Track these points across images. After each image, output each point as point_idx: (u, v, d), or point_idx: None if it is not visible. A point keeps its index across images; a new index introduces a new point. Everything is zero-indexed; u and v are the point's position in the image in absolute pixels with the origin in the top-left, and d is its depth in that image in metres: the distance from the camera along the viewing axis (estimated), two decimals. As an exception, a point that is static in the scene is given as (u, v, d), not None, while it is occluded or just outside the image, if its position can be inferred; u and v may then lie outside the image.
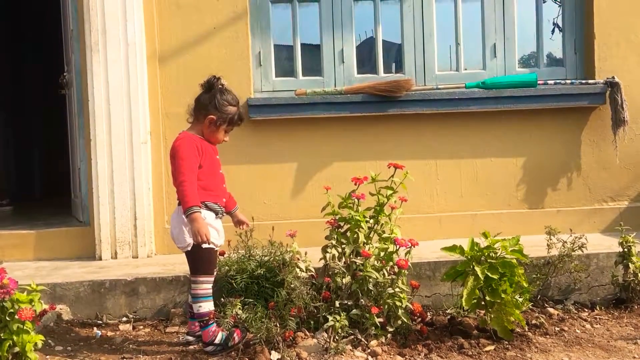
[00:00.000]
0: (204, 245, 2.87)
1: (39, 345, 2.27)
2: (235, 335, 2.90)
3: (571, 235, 3.46)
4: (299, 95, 4.13)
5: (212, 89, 3.00)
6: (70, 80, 4.40)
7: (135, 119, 3.95)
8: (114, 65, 3.93)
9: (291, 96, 4.14)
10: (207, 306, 2.91)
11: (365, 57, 4.46)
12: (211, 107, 2.97)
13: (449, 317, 3.23)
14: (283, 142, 4.17)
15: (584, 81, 4.26)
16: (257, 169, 4.17)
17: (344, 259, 3.08)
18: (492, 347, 2.85)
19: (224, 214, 3.10)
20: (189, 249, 2.92)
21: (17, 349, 2.26)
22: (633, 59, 4.29)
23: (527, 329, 3.02)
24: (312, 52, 4.37)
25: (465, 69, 4.38)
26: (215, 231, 2.96)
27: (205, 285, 2.93)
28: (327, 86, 4.24)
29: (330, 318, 2.84)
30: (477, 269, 2.87)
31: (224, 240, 3.12)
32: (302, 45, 4.34)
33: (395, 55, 4.49)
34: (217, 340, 2.89)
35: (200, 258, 2.92)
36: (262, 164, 4.17)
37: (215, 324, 2.90)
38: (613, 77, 4.20)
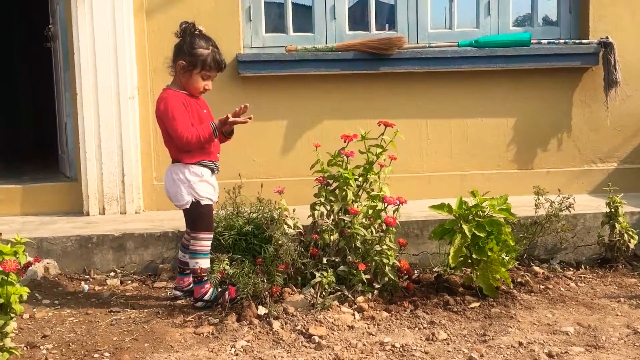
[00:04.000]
0: (203, 202, 2.86)
1: (24, 297, 2.26)
2: (226, 293, 2.87)
3: (559, 196, 3.47)
4: (289, 52, 4.06)
5: (184, 35, 2.89)
6: (56, 33, 4.30)
7: (122, 73, 3.88)
8: (100, 17, 3.84)
9: (281, 52, 4.08)
10: (204, 263, 2.90)
11: (358, 14, 4.38)
12: (181, 52, 2.87)
13: (435, 274, 3.25)
14: (273, 99, 4.12)
15: (577, 41, 4.21)
16: (246, 126, 4.07)
17: (332, 217, 3.08)
18: (477, 304, 2.88)
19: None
20: (188, 206, 2.89)
21: (1, 301, 2.25)
22: (627, 18, 4.24)
23: (512, 287, 3.05)
24: (303, 8, 4.28)
25: (459, 28, 4.32)
26: (212, 187, 2.95)
27: (205, 242, 2.91)
28: (318, 43, 4.16)
29: (317, 274, 2.85)
30: (465, 227, 2.88)
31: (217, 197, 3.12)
32: (293, 0, 4.25)
33: (387, 12, 4.41)
34: (207, 297, 2.90)
35: (200, 214, 2.89)
36: (251, 121, 4.11)
37: (208, 281, 2.90)
38: (607, 37, 4.15)
